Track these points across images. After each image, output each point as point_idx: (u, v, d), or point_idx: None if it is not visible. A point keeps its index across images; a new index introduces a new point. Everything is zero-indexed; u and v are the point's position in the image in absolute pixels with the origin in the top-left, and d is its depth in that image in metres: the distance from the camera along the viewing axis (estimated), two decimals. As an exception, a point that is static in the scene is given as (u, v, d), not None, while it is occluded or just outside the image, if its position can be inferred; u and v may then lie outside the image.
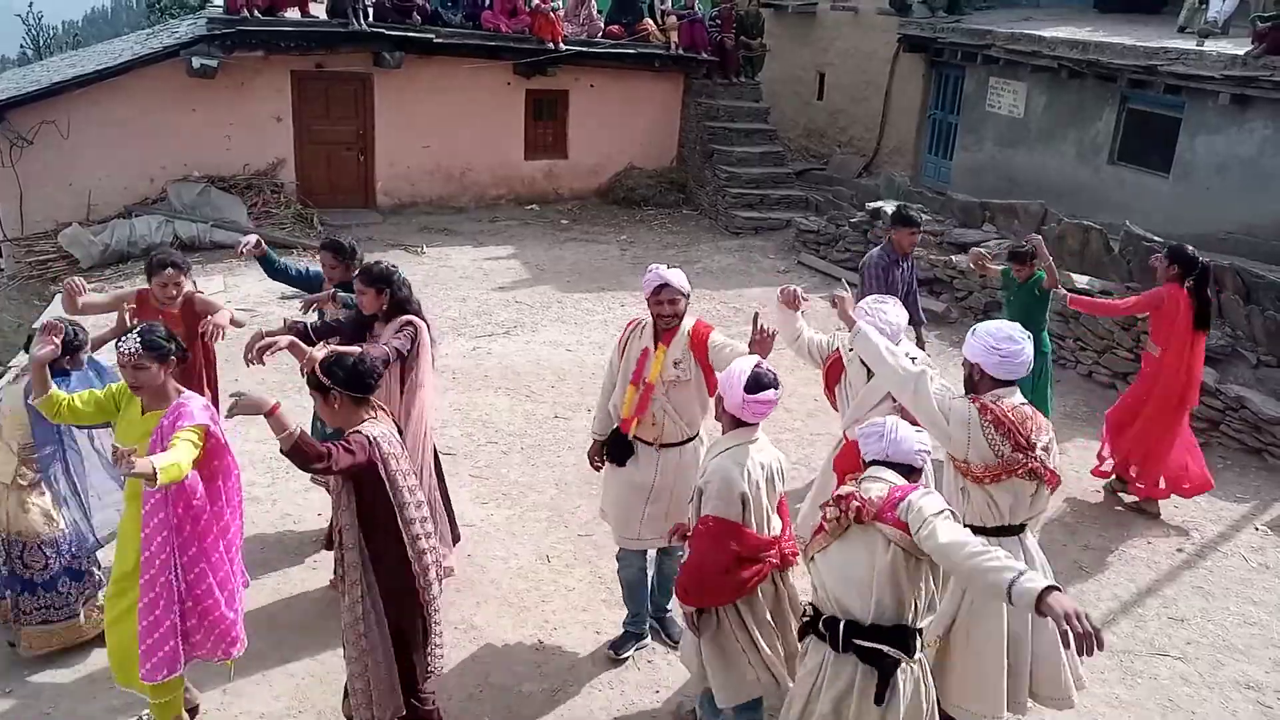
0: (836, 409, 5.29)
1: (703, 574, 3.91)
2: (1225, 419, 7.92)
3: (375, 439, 3.80)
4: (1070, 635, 2.83)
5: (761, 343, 4.33)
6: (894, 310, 4.75)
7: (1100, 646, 2.84)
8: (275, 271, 5.83)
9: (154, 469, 3.52)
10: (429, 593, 4.02)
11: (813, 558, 3.53)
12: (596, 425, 5.15)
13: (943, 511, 3.27)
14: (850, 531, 3.40)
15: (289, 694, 4.75)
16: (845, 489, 3.48)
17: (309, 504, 6.38)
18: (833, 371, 5.05)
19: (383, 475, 3.81)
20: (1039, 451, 3.87)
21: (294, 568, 5.77)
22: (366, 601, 3.87)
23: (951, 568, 3.21)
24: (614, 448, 4.94)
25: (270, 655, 4.93)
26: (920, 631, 3.45)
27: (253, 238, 5.75)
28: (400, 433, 4.13)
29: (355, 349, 4.27)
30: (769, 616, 4.06)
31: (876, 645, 3.36)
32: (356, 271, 5.53)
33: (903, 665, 3.39)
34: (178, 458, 3.67)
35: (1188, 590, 6.08)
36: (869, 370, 4.67)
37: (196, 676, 4.53)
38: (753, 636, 3.99)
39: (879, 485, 3.45)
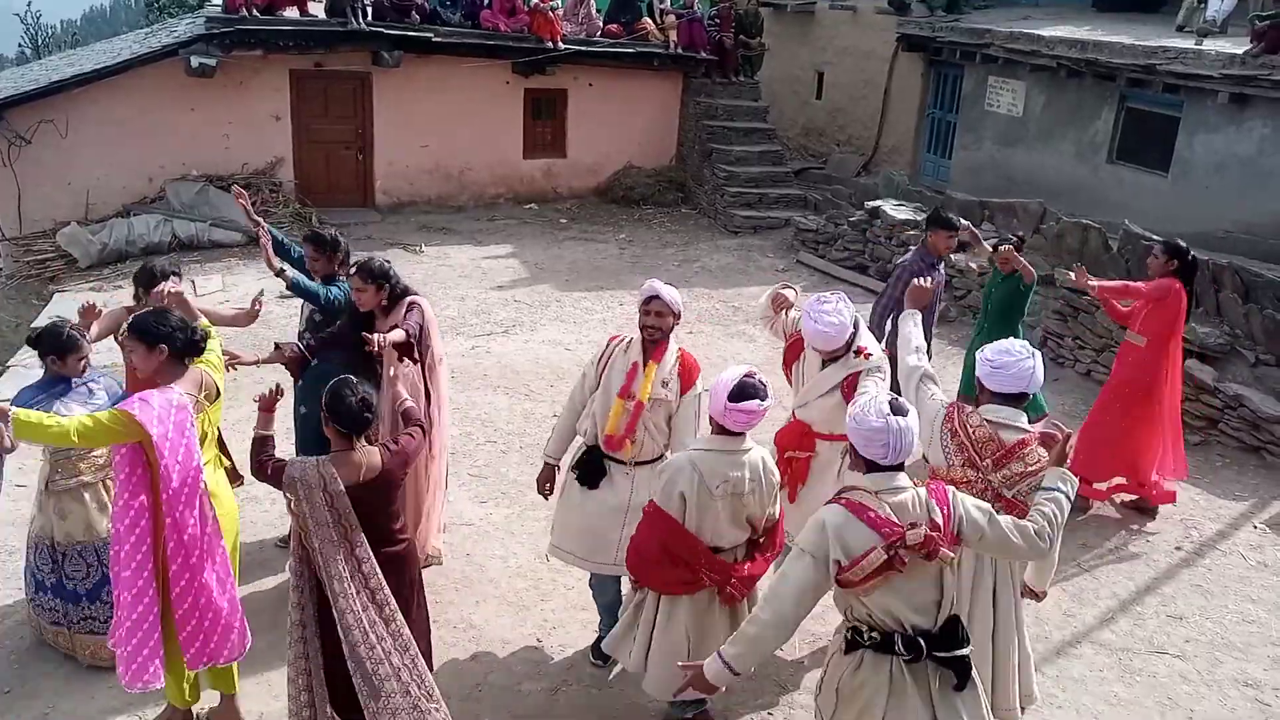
0: (791, 385, 5.26)
1: (639, 554, 4.09)
2: (1224, 417, 7.93)
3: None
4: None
5: None
6: (835, 310, 4.67)
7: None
8: (289, 256, 5.67)
9: (8, 412, 3.53)
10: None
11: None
12: (552, 447, 4.92)
13: (987, 512, 3.34)
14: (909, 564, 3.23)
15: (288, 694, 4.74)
16: (922, 531, 3.19)
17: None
18: (793, 350, 5.02)
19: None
20: (993, 476, 3.81)
21: (293, 567, 5.76)
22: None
23: (1012, 551, 3.40)
24: (589, 469, 4.73)
25: (270, 656, 4.93)
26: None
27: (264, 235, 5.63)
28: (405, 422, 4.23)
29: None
30: (685, 628, 4.09)
31: (957, 654, 3.32)
32: (340, 264, 5.53)
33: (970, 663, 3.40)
34: (46, 419, 3.66)
35: (1186, 588, 6.08)
36: (824, 361, 4.77)
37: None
38: (655, 627, 4.13)
39: (906, 495, 3.32)
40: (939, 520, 3.25)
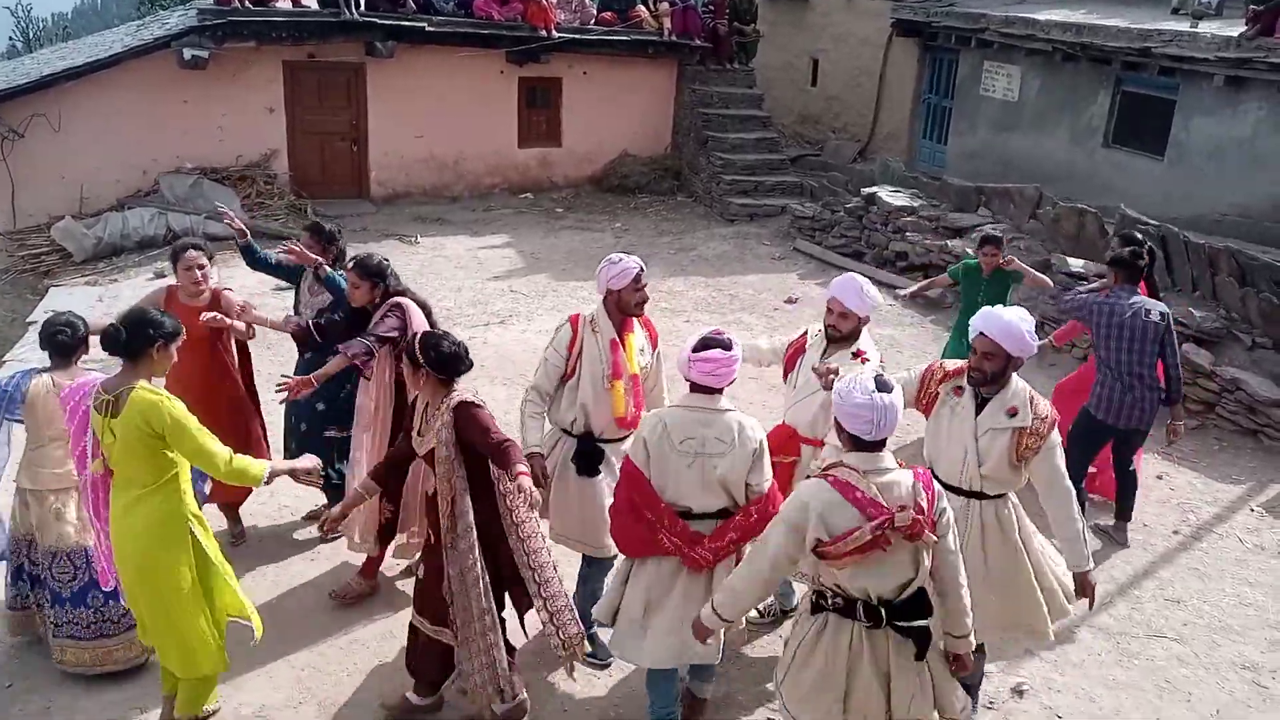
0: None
1: (613, 510, 4.19)
2: (1221, 401, 7.95)
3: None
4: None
5: None
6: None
7: None
8: (255, 261, 5.85)
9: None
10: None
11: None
12: (533, 437, 4.69)
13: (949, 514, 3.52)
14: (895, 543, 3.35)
15: (290, 685, 4.76)
16: (911, 513, 3.30)
17: (308, 495, 6.36)
18: (791, 359, 4.99)
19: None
20: None
21: (293, 559, 5.77)
22: (482, 571, 4.11)
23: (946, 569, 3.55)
24: (588, 459, 4.70)
25: (271, 646, 4.93)
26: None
27: (240, 224, 5.81)
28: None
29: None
30: (646, 589, 4.12)
31: (919, 623, 3.45)
32: (334, 258, 5.64)
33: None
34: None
35: (1184, 572, 6.10)
36: (823, 356, 4.74)
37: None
38: (628, 586, 4.19)
39: (893, 476, 3.41)
40: (924, 505, 3.36)
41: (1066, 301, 6.34)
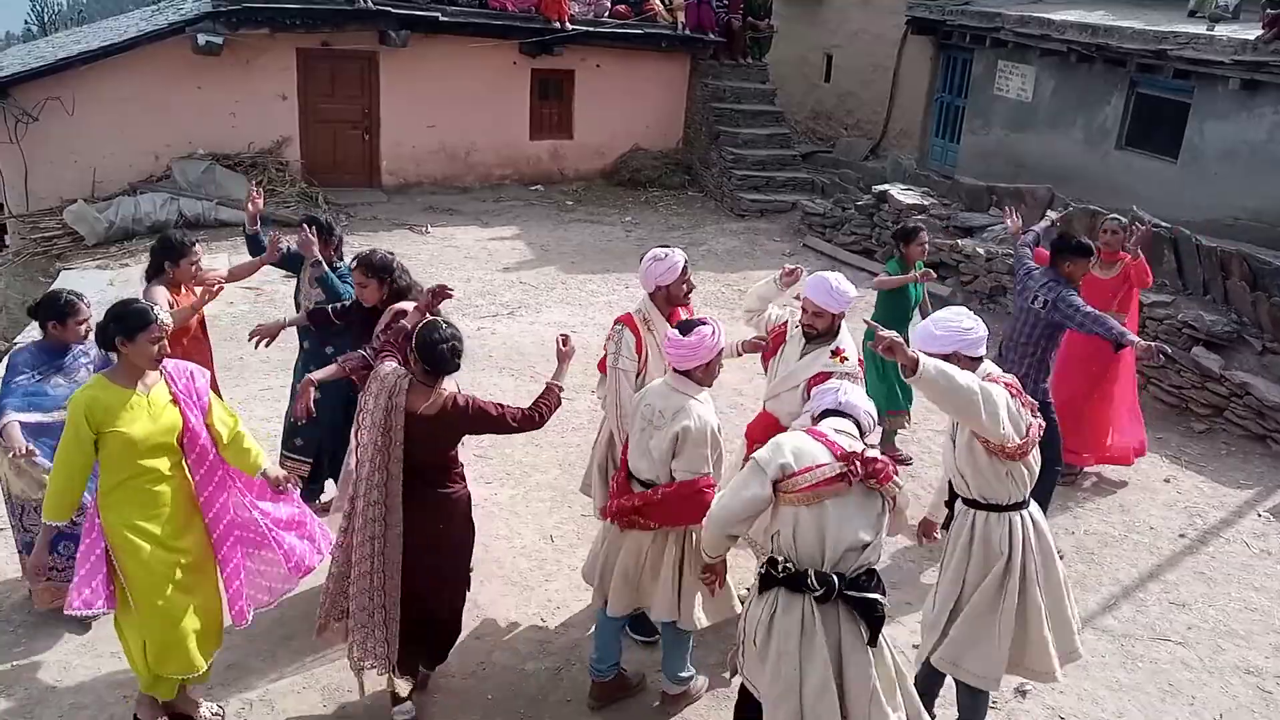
0: (767, 378, 5.23)
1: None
2: (1230, 405, 7.92)
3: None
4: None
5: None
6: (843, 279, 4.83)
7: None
8: (260, 250, 5.90)
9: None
10: None
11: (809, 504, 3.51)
12: (599, 499, 4.94)
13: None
14: (853, 489, 3.48)
15: (293, 670, 4.78)
16: (866, 449, 3.54)
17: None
18: (774, 343, 5.05)
19: None
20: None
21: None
22: None
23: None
24: None
25: (274, 632, 4.96)
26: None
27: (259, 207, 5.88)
28: None
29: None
30: (603, 545, 4.42)
31: (871, 596, 3.51)
32: (335, 249, 5.72)
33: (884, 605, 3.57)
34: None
35: (1189, 575, 6.09)
36: (802, 351, 4.81)
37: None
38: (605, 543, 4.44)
39: (855, 441, 3.59)
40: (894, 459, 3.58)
41: (1016, 256, 6.28)
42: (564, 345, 4.46)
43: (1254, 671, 5.24)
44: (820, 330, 4.77)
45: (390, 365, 4.11)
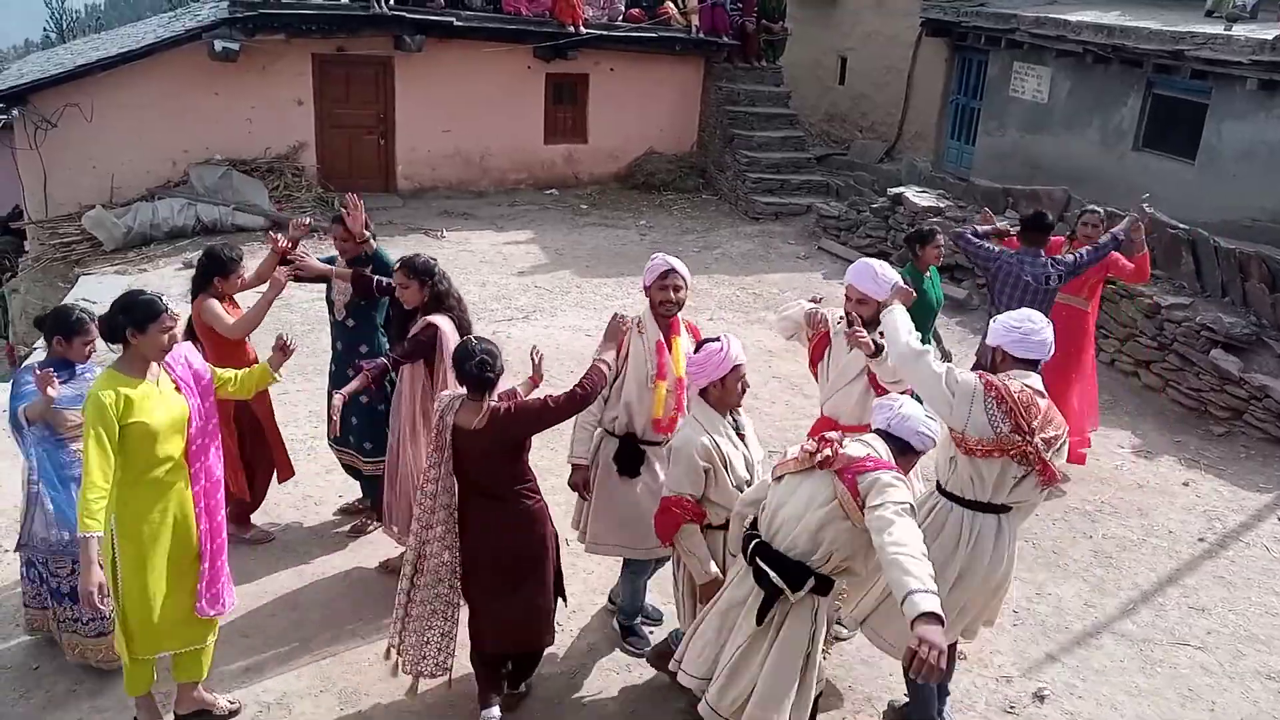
0: (818, 383, 5.16)
1: None
2: (1249, 408, 7.86)
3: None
4: (915, 659, 2.98)
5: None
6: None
7: (935, 678, 3.07)
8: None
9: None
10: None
11: (779, 478, 3.76)
12: (579, 449, 4.82)
13: (905, 504, 3.41)
14: (813, 472, 3.63)
15: (310, 673, 4.80)
16: (833, 434, 3.72)
17: (330, 485, 6.43)
18: (818, 347, 4.94)
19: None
20: (1038, 440, 3.85)
21: (316, 549, 5.82)
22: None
23: (879, 548, 3.32)
24: (630, 459, 4.71)
25: (292, 635, 4.98)
26: (828, 578, 3.65)
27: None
28: None
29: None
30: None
31: (767, 569, 3.63)
32: (367, 250, 5.74)
33: (787, 597, 3.62)
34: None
35: (1209, 580, 6.05)
36: (849, 346, 4.73)
37: (219, 653, 4.56)
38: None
39: (860, 447, 3.62)
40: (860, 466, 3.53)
41: (970, 244, 6.62)
42: (622, 325, 4.55)
43: (1275, 677, 5.20)
44: (865, 319, 4.63)
45: (448, 391, 4.34)
